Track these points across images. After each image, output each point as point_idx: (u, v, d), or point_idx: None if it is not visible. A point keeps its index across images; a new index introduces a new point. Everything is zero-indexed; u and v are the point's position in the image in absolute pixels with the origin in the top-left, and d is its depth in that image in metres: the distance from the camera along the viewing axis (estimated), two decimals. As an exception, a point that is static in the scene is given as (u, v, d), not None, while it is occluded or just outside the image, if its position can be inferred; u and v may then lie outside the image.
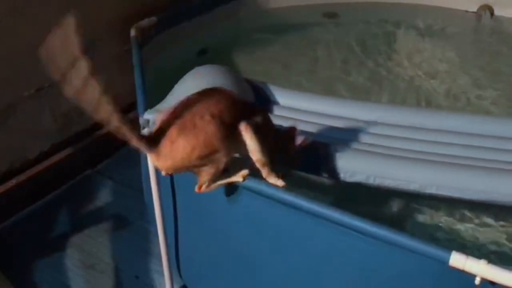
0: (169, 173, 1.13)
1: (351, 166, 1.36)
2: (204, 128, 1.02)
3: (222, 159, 1.05)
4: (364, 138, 1.55)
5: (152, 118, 1.41)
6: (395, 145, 1.52)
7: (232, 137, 1.06)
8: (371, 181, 1.35)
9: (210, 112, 1.03)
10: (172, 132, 1.02)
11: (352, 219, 1.04)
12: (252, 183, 1.16)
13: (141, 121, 1.43)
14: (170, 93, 1.60)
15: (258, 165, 1.12)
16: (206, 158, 1.03)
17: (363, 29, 2.57)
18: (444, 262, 0.95)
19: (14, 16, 1.70)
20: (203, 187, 1.09)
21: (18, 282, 1.58)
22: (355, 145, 1.49)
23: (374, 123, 1.64)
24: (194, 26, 2.13)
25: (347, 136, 1.56)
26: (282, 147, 1.21)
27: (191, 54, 1.96)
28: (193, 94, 1.11)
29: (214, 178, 1.09)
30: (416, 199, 1.53)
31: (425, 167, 1.37)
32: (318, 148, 1.39)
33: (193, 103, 1.06)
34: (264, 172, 1.13)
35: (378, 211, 1.53)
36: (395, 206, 1.55)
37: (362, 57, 2.37)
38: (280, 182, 1.13)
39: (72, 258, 1.71)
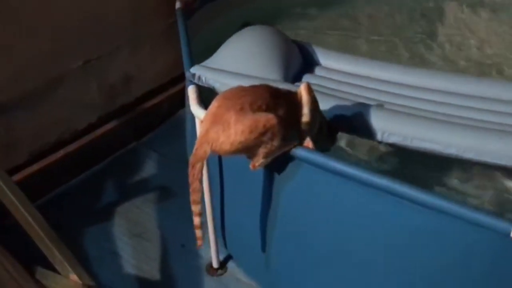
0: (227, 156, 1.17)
1: (388, 127, 1.34)
2: (259, 113, 1.08)
3: (275, 139, 1.09)
4: (405, 101, 1.53)
5: (198, 73, 1.43)
6: (435, 109, 1.49)
7: (283, 124, 1.10)
8: (408, 142, 1.31)
9: (263, 99, 1.10)
10: (229, 119, 1.06)
11: (409, 189, 1.02)
12: (304, 153, 1.15)
13: (187, 75, 1.44)
14: (219, 50, 1.61)
15: (303, 121, 1.18)
16: (262, 137, 1.07)
17: (409, 3, 2.49)
18: (507, 234, 0.92)
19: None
20: (257, 164, 1.13)
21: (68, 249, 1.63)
22: (394, 107, 1.46)
23: (415, 87, 1.62)
24: (238, -1, 2.11)
25: (387, 98, 1.54)
26: (323, 132, 1.28)
27: (234, 27, 1.95)
28: (242, 88, 1.16)
29: (268, 157, 1.13)
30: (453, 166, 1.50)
31: (465, 131, 1.32)
32: (358, 108, 1.38)
33: (244, 94, 1.12)
34: (304, 133, 1.18)
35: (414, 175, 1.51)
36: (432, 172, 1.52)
37: (408, 30, 2.30)
38: (312, 145, 1.19)
39: (119, 227, 1.75)
